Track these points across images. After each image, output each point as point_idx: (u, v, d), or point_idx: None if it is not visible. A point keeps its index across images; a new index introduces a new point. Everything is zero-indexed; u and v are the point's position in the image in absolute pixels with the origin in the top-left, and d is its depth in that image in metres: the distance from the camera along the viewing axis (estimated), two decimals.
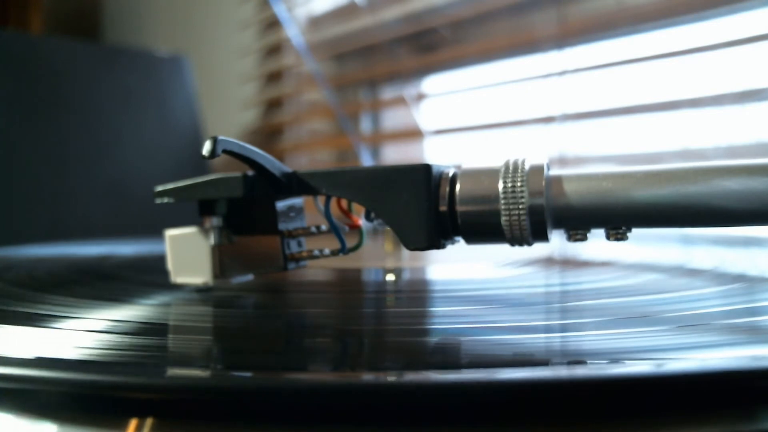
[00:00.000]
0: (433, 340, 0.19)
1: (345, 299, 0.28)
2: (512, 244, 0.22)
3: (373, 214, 0.24)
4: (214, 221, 0.25)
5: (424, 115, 0.81)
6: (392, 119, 0.93)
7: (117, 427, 0.13)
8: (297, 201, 0.27)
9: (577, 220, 0.21)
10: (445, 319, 0.22)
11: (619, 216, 0.21)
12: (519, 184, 0.21)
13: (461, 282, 0.30)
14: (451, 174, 0.23)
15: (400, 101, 0.85)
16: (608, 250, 0.38)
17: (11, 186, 0.71)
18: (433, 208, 0.22)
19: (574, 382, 0.14)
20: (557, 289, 0.29)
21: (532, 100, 0.67)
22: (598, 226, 0.21)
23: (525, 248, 0.23)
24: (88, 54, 0.82)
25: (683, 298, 0.24)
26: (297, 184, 0.24)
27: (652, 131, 0.62)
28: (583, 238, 0.22)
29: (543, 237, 0.22)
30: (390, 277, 0.32)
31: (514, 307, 0.24)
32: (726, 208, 0.20)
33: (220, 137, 0.22)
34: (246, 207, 0.26)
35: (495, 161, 0.22)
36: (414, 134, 0.84)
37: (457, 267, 0.35)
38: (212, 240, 0.26)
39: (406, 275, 0.33)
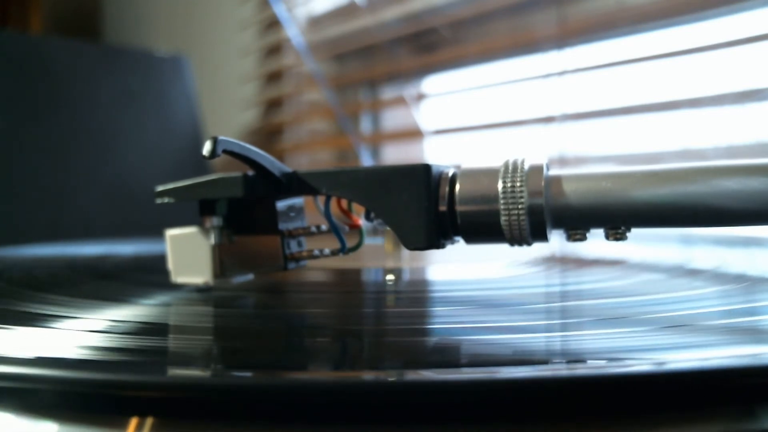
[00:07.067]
0: (432, 339, 0.19)
1: (345, 299, 0.28)
2: (512, 244, 0.22)
3: (372, 214, 0.24)
4: (215, 221, 0.25)
5: (424, 115, 0.81)
6: (392, 119, 0.93)
7: (117, 426, 0.13)
8: (297, 201, 0.27)
9: (577, 219, 0.21)
10: (444, 319, 0.22)
11: (618, 216, 0.21)
12: (518, 184, 0.21)
13: (460, 282, 0.30)
14: (450, 174, 0.23)
15: (400, 101, 0.85)
16: (608, 250, 0.38)
17: (11, 186, 0.71)
18: (432, 208, 0.22)
19: (573, 381, 0.14)
20: (556, 289, 0.29)
21: (532, 100, 0.67)
22: (597, 225, 0.21)
23: (525, 248, 0.23)
24: (88, 54, 0.82)
25: (682, 298, 0.24)
26: (297, 183, 0.24)
27: (652, 131, 0.62)
28: (583, 238, 0.22)
29: (542, 237, 0.22)
30: (390, 277, 0.32)
31: (514, 307, 0.24)
32: (725, 207, 0.20)
33: (221, 137, 0.22)
34: (246, 207, 0.26)
35: (495, 161, 0.22)
36: (414, 134, 0.84)
37: (456, 267, 0.35)
38: (212, 240, 0.26)
39: (406, 275, 0.33)
